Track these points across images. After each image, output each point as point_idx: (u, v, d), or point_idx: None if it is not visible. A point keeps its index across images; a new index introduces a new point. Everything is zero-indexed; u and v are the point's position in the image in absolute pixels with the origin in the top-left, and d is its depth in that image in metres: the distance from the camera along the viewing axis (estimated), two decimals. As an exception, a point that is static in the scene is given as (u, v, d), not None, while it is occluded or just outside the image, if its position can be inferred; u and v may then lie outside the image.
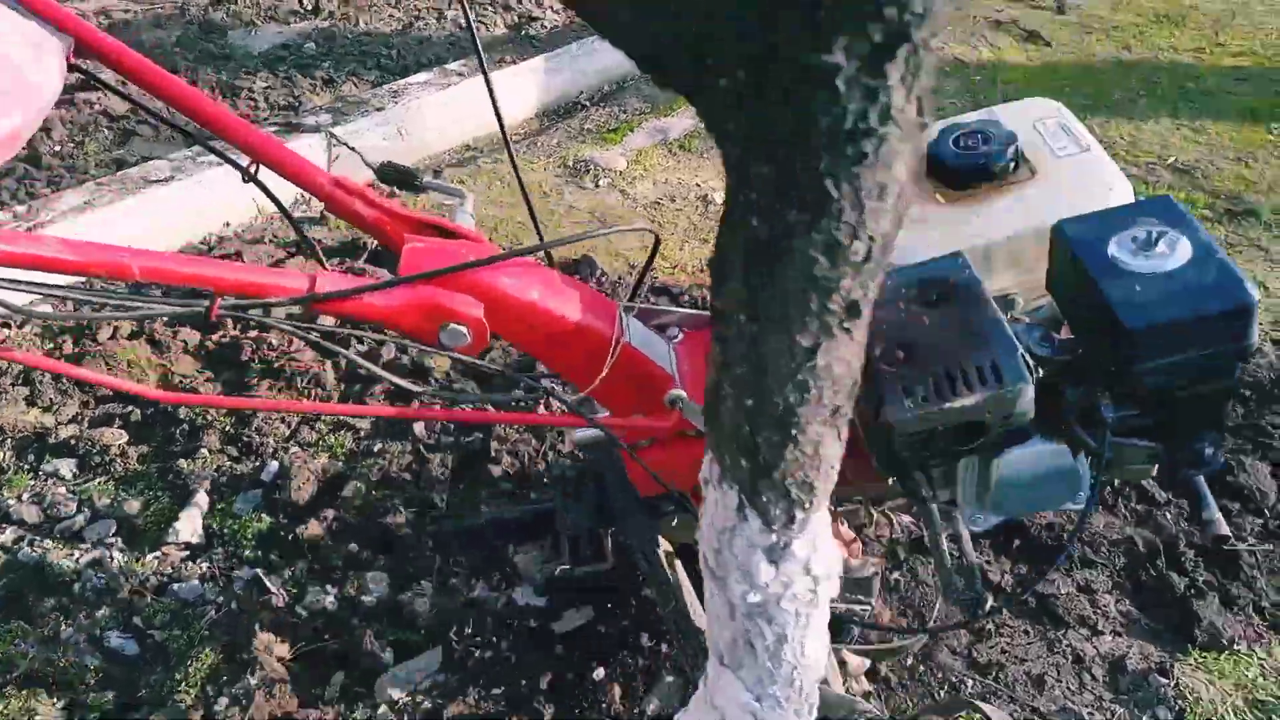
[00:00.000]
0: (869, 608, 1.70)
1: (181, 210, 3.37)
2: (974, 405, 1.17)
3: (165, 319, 1.13)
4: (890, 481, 1.38)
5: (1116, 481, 2.14)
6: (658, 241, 1.51)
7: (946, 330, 1.22)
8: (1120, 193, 1.47)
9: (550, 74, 4.35)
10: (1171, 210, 1.27)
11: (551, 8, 5.35)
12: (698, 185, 3.85)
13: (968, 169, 1.44)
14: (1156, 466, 1.40)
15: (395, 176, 1.48)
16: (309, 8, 5.12)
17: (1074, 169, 1.47)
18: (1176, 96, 4.75)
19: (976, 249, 1.37)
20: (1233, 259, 1.25)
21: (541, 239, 1.40)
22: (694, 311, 1.61)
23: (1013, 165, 1.46)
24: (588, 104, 4.40)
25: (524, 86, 4.28)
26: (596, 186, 3.82)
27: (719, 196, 3.75)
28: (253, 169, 1.37)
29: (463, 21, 5.22)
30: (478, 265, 1.26)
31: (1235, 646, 2.08)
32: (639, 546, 1.64)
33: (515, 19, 5.23)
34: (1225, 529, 1.44)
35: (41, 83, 0.96)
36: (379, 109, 3.89)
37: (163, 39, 4.67)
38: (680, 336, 1.58)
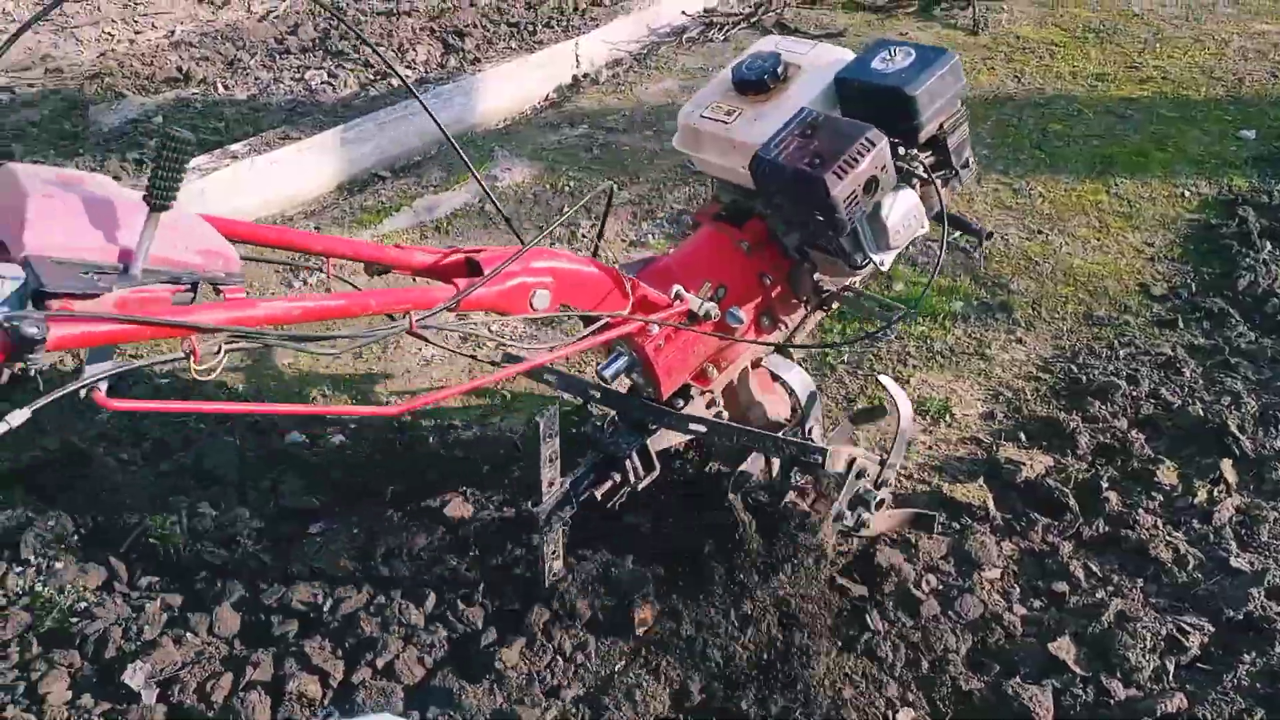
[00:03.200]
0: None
1: None
2: (869, 163, 1.84)
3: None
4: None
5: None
6: (611, 194, 2.07)
7: (829, 139, 1.86)
8: (841, 54, 2.13)
9: (353, 144, 4.35)
10: (892, 42, 2.04)
11: (414, 63, 5.34)
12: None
13: (755, 81, 2.08)
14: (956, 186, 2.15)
15: None
16: (182, 74, 5.31)
17: (810, 65, 2.11)
18: (1031, 143, 4.30)
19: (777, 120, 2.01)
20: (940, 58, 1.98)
21: (522, 240, 1.82)
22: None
23: (781, 75, 2.10)
24: (387, 175, 4.39)
25: (320, 161, 4.30)
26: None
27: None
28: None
29: (314, 84, 5.31)
30: (523, 251, 1.69)
31: None
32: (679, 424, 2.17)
33: (371, 76, 5.26)
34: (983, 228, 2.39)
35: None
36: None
37: (28, 119, 4.95)
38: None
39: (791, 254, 2.17)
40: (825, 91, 2.04)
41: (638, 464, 2.15)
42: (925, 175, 2.03)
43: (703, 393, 2.20)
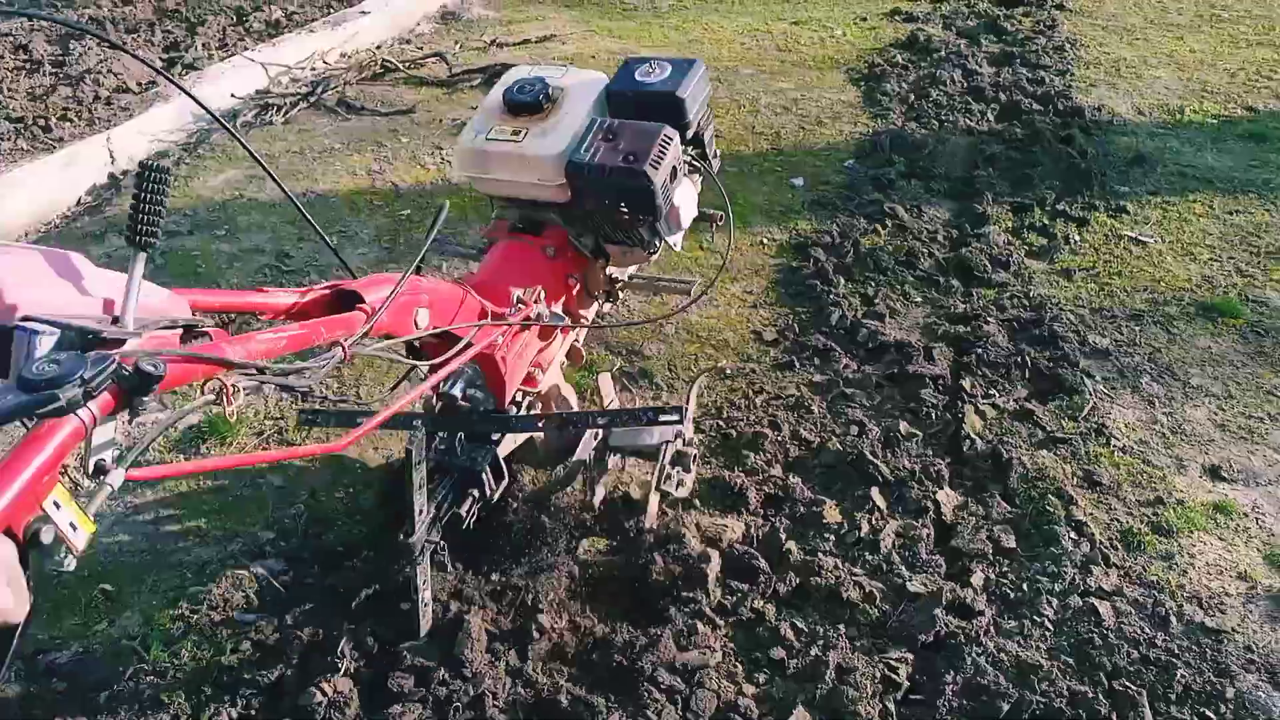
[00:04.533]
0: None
1: None
2: (671, 154, 2.15)
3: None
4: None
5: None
6: (441, 208, 1.95)
7: (635, 139, 2.13)
8: (593, 75, 2.36)
9: None
10: (644, 59, 2.37)
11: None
12: None
13: (531, 103, 2.23)
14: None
15: None
16: None
17: (575, 84, 2.30)
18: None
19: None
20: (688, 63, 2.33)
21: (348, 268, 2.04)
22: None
23: (552, 96, 2.27)
24: None
25: None
26: None
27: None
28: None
29: None
30: (406, 275, 1.73)
31: None
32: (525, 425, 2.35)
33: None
34: None
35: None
36: None
37: None
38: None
39: (588, 254, 2.43)
40: (597, 103, 2.31)
41: (491, 476, 2.25)
42: (697, 165, 2.43)
43: (526, 394, 2.38)
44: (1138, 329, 3.52)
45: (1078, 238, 4.14)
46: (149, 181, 1.14)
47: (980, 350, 3.33)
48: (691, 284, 2.69)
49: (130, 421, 1.09)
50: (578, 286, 2.42)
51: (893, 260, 3.94)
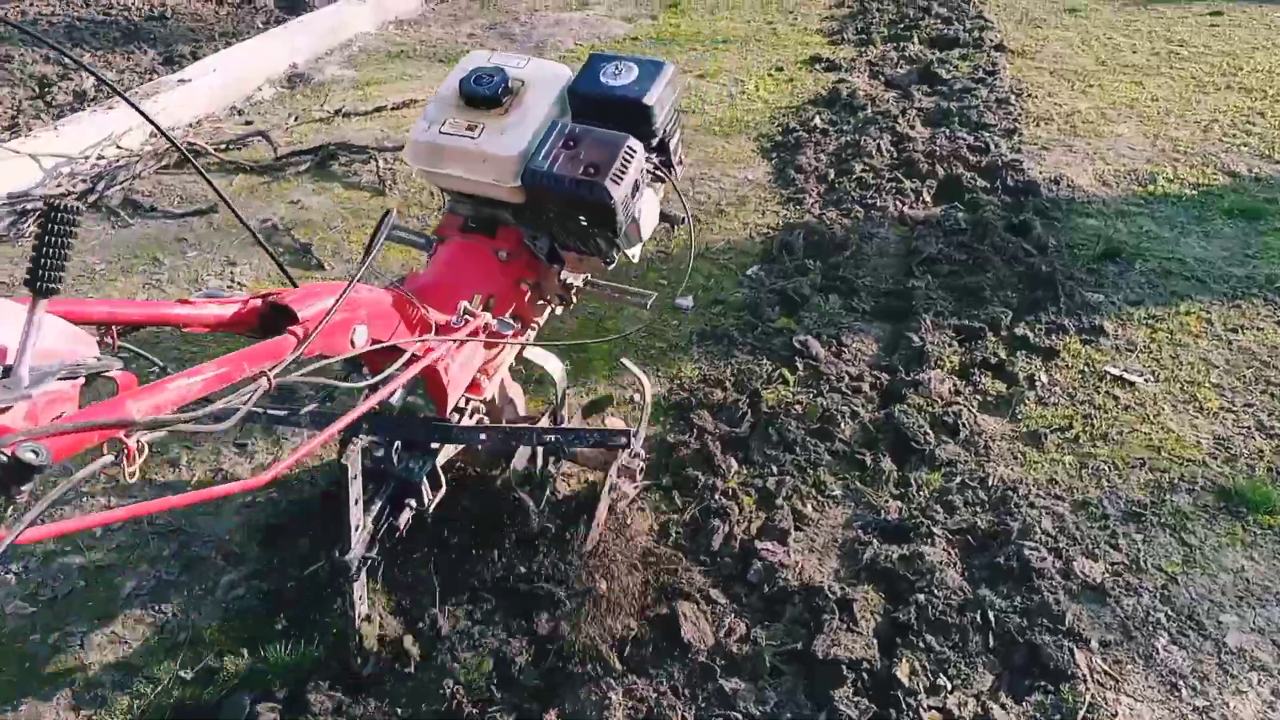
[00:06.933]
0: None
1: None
2: (635, 168, 2.02)
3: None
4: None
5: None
6: (386, 214, 1.83)
7: (597, 149, 2.01)
8: (557, 68, 2.22)
9: None
10: (609, 56, 2.22)
11: None
12: None
13: (490, 96, 2.12)
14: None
15: None
16: None
17: (536, 78, 2.18)
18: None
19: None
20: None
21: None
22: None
23: (512, 89, 2.16)
24: None
25: None
26: None
27: None
28: None
29: None
30: (349, 287, 1.60)
31: None
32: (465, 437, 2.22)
33: None
34: None
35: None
36: None
37: None
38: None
39: (542, 259, 2.28)
40: (558, 101, 2.16)
41: (428, 486, 2.17)
42: (661, 174, 2.27)
43: (469, 400, 2.25)
44: (1140, 541, 2.51)
45: (1045, 378, 3.15)
46: (54, 223, 1.05)
47: (922, 597, 2.30)
48: (648, 297, 2.45)
49: (5, 506, 0.94)
50: (530, 292, 2.32)
51: (803, 429, 2.91)
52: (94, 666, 2.25)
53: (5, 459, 0.92)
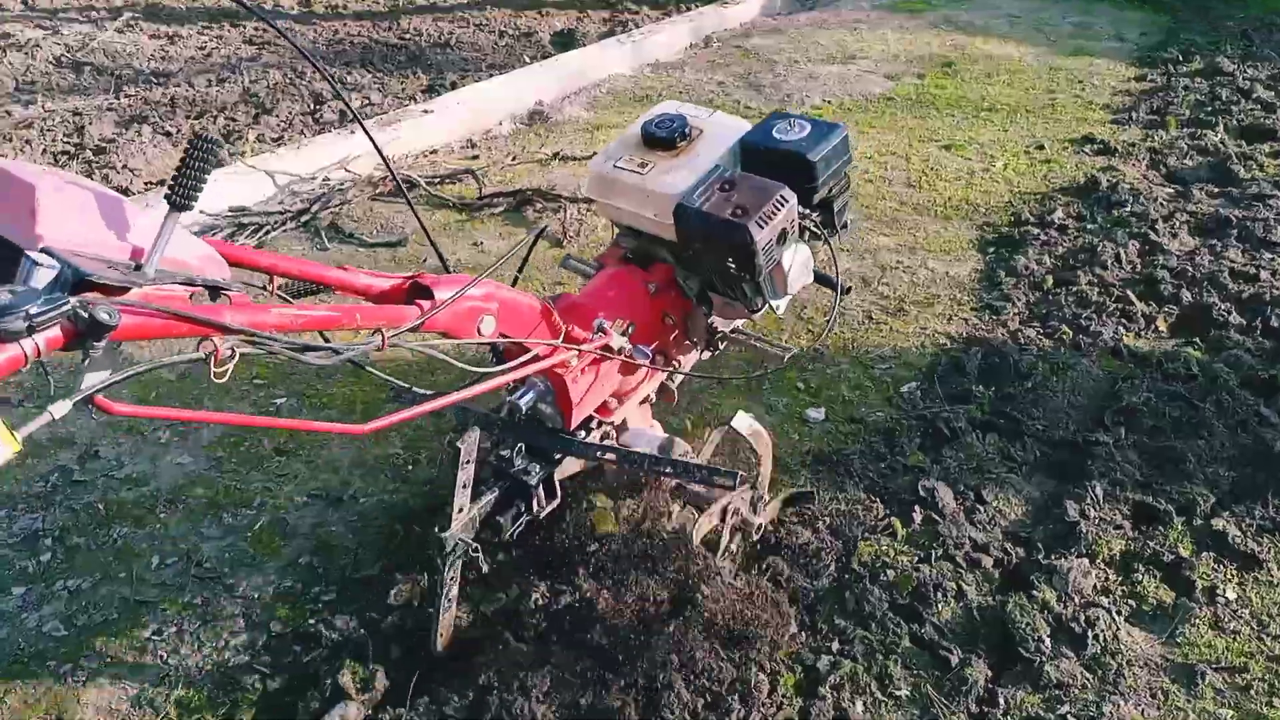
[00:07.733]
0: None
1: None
2: (783, 216, 2.12)
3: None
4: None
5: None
6: (540, 233, 2.33)
7: (749, 193, 2.10)
8: (738, 122, 2.38)
9: None
10: (789, 114, 2.34)
11: None
12: None
13: (666, 138, 2.28)
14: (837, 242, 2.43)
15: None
16: None
17: (713, 128, 2.34)
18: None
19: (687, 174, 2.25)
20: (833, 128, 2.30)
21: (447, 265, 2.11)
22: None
23: (689, 135, 2.31)
24: None
25: None
26: None
27: None
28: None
29: None
30: (478, 280, 1.78)
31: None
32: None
33: None
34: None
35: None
36: None
37: None
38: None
39: (692, 298, 2.40)
40: (730, 151, 2.29)
41: (542, 493, 2.23)
42: (817, 231, 2.33)
43: (600, 424, 2.34)
44: None
45: (1233, 594, 2.45)
46: (197, 150, 1.21)
47: None
48: (789, 351, 2.60)
49: (83, 362, 1.15)
50: (676, 331, 2.43)
51: (888, 601, 2.44)
52: (75, 703, 2.28)
53: (86, 315, 1.10)
